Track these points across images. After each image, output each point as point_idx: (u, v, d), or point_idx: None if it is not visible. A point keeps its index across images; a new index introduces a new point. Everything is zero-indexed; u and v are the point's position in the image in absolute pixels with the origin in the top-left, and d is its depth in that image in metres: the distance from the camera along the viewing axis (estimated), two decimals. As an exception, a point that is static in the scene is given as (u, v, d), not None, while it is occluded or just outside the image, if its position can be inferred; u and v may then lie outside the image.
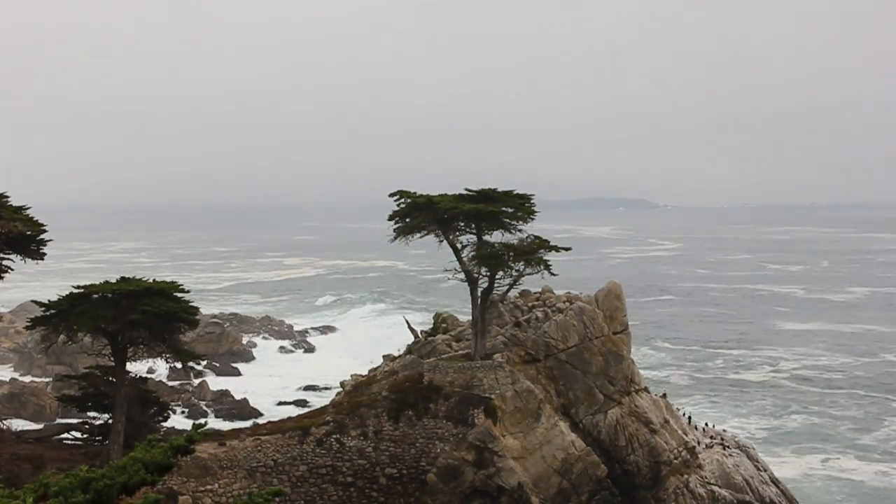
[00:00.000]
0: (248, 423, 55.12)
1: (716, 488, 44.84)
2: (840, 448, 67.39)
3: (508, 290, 45.64)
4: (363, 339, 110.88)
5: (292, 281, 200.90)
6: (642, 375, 48.43)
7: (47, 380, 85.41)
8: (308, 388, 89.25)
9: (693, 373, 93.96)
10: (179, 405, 77.81)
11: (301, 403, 79.06)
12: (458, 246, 44.58)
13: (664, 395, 49.58)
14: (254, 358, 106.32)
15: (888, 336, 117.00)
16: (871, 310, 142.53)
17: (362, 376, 50.60)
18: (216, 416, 77.20)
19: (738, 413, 77.20)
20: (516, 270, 43.69)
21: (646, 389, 47.25)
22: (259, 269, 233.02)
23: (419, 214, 44.52)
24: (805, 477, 60.82)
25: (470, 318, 46.76)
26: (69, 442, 41.09)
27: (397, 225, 45.49)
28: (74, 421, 47.31)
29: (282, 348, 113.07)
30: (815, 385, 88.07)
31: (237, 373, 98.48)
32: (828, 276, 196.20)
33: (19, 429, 46.49)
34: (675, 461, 44.35)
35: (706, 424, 51.61)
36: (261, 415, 75.30)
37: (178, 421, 66.07)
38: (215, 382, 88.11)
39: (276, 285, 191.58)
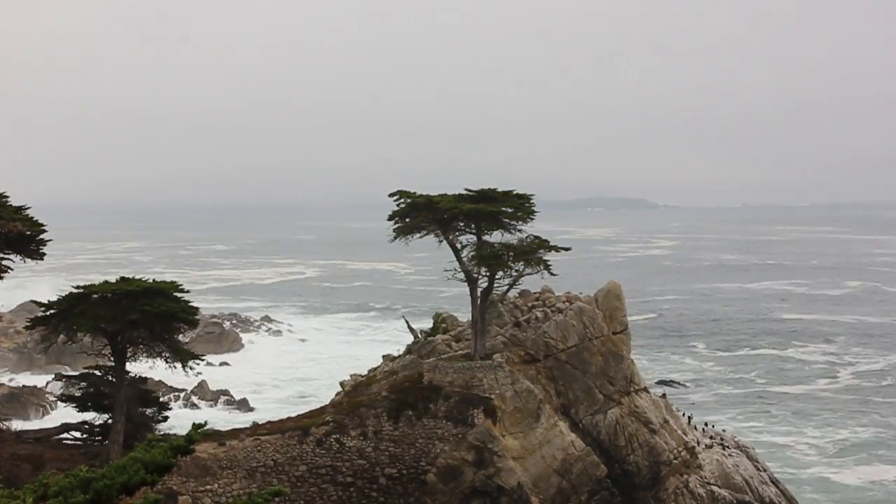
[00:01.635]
0: (247, 423, 55.07)
1: (715, 488, 44.87)
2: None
3: (508, 290, 45.68)
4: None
5: (291, 281, 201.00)
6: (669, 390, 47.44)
7: (47, 380, 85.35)
8: (303, 387, 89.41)
9: (740, 382, 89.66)
10: (179, 405, 77.77)
11: (299, 402, 79.03)
12: (458, 246, 44.62)
13: (664, 395, 49.65)
14: (253, 357, 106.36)
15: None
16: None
17: (362, 376, 50.58)
18: (215, 416, 77.11)
19: (801, 424, 73.75)
20: (516, 270, 43.73)
21: (645, 389, 47.29)
22: (257, 268, 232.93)
23: (419, 214, 44.56)
24: (874, 485, 59.04)
25: (469, 318, 46.79)
26: (69, 442, 41.08)
27: (397, 225, 45.53)
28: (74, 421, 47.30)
29: (280, 347, 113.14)
30: (872, 391, 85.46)
31: (236, 372, 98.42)
32: (843, 276, 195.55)
33: (19, 429, 46.42)
34: (675, 461, 44.37)
35: (706, 424, 51.62)
36: (260, 414, 75.23)
37: (178, 421, 65.94)
38: (215, 382, 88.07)
39: (275, 285, 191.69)
